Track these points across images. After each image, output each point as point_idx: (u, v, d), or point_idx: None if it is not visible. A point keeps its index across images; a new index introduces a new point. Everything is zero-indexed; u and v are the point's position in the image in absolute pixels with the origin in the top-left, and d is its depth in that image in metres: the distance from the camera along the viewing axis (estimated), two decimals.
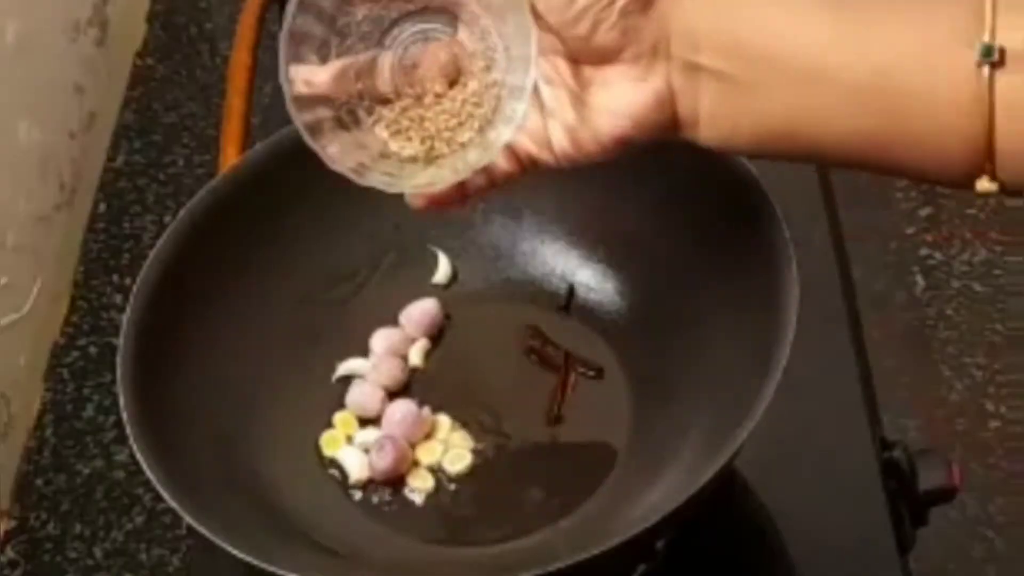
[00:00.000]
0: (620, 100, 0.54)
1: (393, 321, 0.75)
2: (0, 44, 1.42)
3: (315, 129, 0.55)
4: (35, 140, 1.49)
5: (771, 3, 0.52)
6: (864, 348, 0.79)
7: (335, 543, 0.64)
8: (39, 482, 1.36)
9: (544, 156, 0.57)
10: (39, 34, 1.52)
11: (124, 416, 0.62)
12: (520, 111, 0.54)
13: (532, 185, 0.75)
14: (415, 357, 0.74)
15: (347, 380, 0.73)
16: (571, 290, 0.75)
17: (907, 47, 0.48)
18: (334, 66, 0.56)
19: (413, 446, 0.70)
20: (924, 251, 1.51)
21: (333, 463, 0.70)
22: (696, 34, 0.52)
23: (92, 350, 1.51)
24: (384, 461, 0.68)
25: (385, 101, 0.57)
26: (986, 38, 0.46)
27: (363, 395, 0.72)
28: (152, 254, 0.69)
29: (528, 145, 0.56)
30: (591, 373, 0.71)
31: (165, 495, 0.59)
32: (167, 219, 1.60)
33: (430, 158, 0.56)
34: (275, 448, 0.68)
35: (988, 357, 1.43)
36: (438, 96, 0.56)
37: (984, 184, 0.48)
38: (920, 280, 1.49)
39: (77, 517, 1.31)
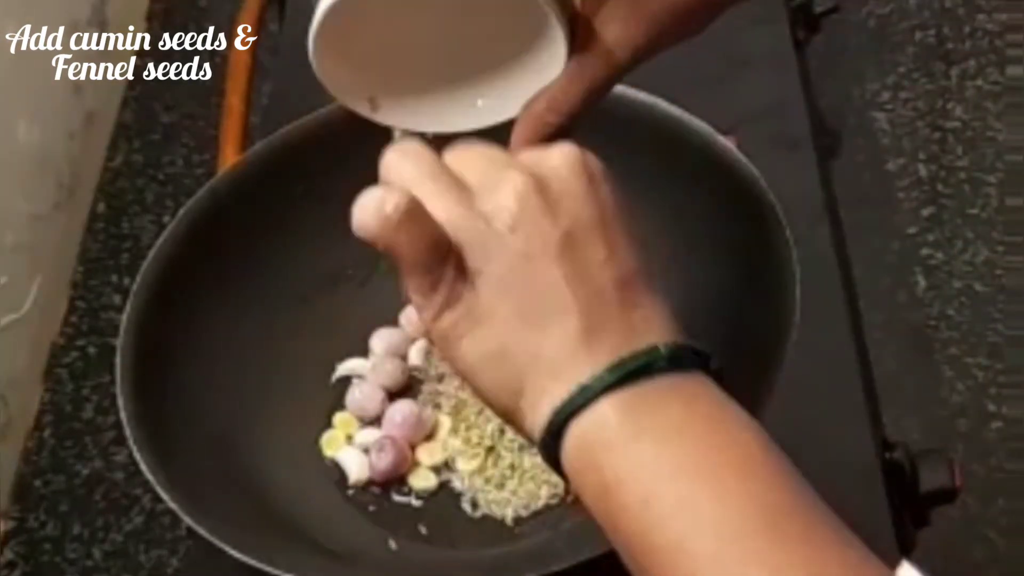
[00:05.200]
0: None
1: (393, 321, 0.74)
2: None
3: None
4: (34, 140, 1.49)
5: None
6: (865, 348, 0.79)
7: (335, 543, 0.64)
8: (38, 483, 1.35)
9: (608, 61, 0.51)
10: (39, 34, 1.52)
11: (123, 417, 0.61)
12: None
13: None
14: (415, 357, 0.73)
15: (347, 380, 0.73)
16: None
17: None
18: None
19: (413, 447, 0.69)
20: (926, 251, 1.51)
21: (333, 464, 0.70)
22: None
23: (91, 350, 1.50)
24: (384, 461, 0.68)
25: None
26: None
27: (363, 395, 0.71)
28: (151, 254, 0.69)
29: (585, 60, 0.51)
30: None
31: (164, 496, 0.58)
32: (166, 219, 1.59)
33: None
34: (275, 448, 0.68)
35: (990, 357, 1.42)
36: None
37: None
38: (922, 280, 1.49)
39: (76, 518, 1.31)
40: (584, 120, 0.54)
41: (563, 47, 0.52)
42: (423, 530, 0.67)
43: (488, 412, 0.70)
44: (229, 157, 0.83)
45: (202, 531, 0.57)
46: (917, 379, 1.42)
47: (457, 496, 0.68)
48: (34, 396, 1.45)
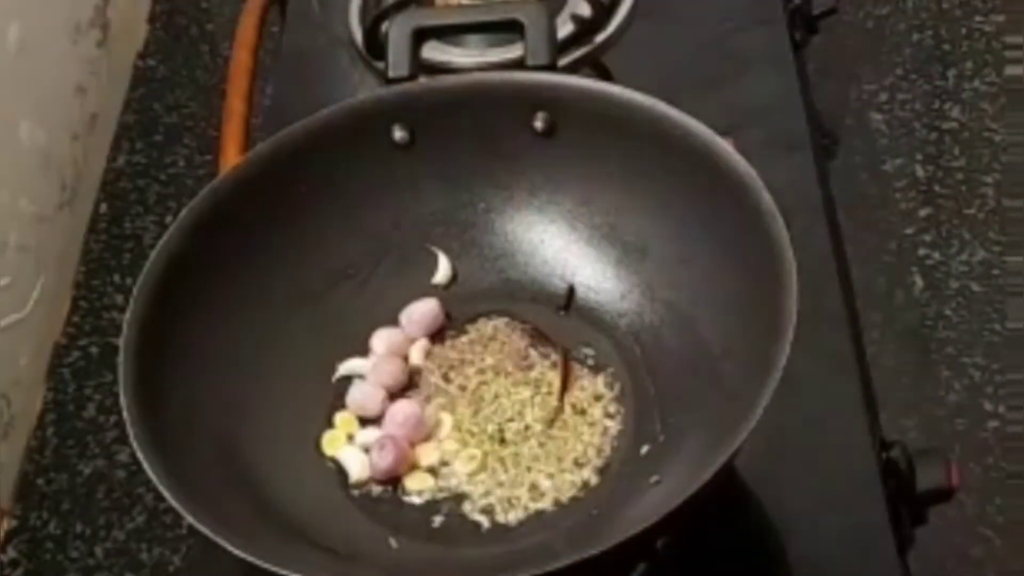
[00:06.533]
0: None
1: (393, 321, 0.75)
2: (2, 46, 1.43)
3: None
4: (37, 141, 1.50)
5: None
6: (863, 348, 0.79)
7: (336, 542, 0.64)
8: (40, 481, 1.36)
9: None
10: (41, 36, 1.53)
11: (125, 416, 0.62)
12: None
13: (531, 186, 0.76)
14: (415, 357, 0.74)
15: (348, 380, 0.73)
16: (571, 290, 0.75)
17: None
18: None
19: (413, 446, 0.70)
20: (923, 251, 1.52)
21: (333, 463, 0.70)
22: None
23: (93, 350, 1.51)
24: (385, 461, 0.68)
25: None
26: None
27: (363, 395, 0.72)
28: (153, 254, 0.69)
29: None
30: (590, 373, 0.71)
31: (166, 494, 0.59)
32: (168, 219, 1.60)
33: None
34: (276, 447, 0.68)
35: (987, 357, 1.43)
36: None
37: None
38: (919, 280, 1.49)
39: (78, 516, 1.31)
40: None
41: None
42: (423, 529, 0.67)
43: (488, 412, 0.71)
44: (231, 158, 0.83)
45: (204, 529, 0.58)
46: (914, 379, 1.42)
47: (457, 496, 0.68)
48: (37, 395, 1.45)
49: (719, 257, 0.68)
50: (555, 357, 0.72)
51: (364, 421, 0.71)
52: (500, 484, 0.68)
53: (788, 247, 0.63)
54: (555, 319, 0.74)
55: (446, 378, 0.73)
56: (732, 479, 0.69)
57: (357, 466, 0.69)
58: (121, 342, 0.65)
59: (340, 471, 0.69)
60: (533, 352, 0.73)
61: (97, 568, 1.21)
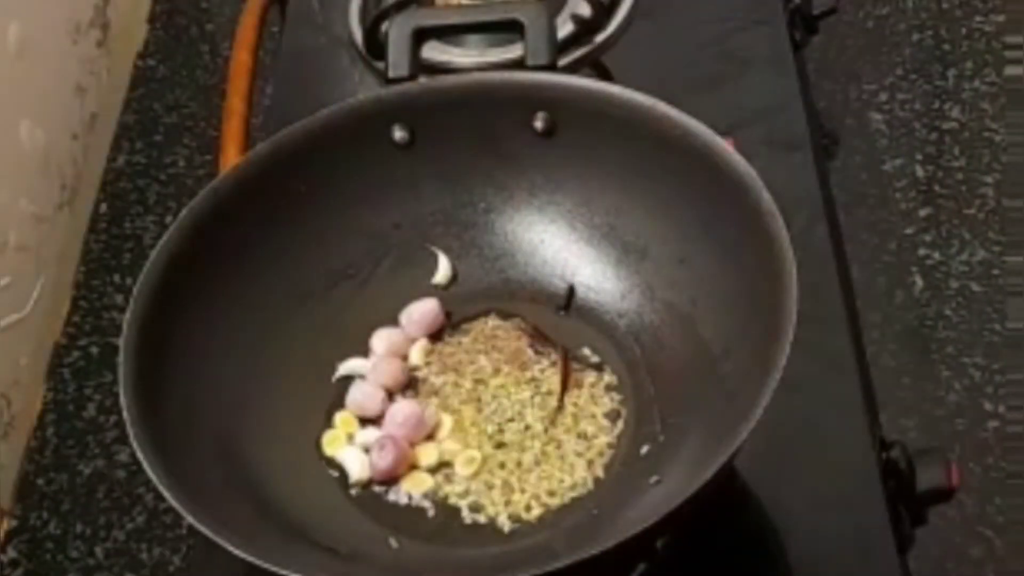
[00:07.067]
0: None
1: (393, 321, 0.75)
2: (2, 46, 1.43)
3: None
4: (37, 141, 1.50)
5: None
6: (863, 348, 0.79)
7: (336, 541, 0.64)
8: (40, 481, 1.36)
9: None
10: (41, 36, 1.53)
11: (125, 416, 0.62)
12: None
13: (531, 186, 0.76)
14: (415, 357, 0.74)
15: (348, 380, 0.73)
16: (571, 290, 0.75)
17: None
18: None
19: (413, 446, 0.70)
20: (923, 251, 1.52)
21: (333, 463, 0.70)
22: None
23: (93, 350, 1.51)
24: (385, 461, 0.68)
25: None
26: None
27: (363, 395, 0.72)
28: (153, 254, 0.69)
29: None
30: (590, 373, 0.71)
31: (166, 495, 0.59)
32: (168, 219, 1.60)
33: None
34: (277, 447, 0.69)
35: (987, 357, 1.43)
36: None
37: None
38: (919, 280, 1.49)
39: (78, 516, 1.31)
40: None
41: None
42: (423, 529, 0.67)
43: (488, 412, 0.71)
44: (230, 158, 0.83)
45: (204, 529, 0.58)
46: (914, 378, 1.42)
47: (457, 496, 0.68)
48: (37, 395, 1.46)
49: (719, 257, 0.68)
50: (555, 357, 0.72)
51: (364, 421, 0.71)
52: (500, 484, 0.68)
53: (788, 247, 0.63)
54: (555, 319, 0.74)
55: (446, 378, 0.73)
56: (732, 479, 0.69)
57: (357, 466, 0.69)
58: (121, 342, 0.65)
59: (340, 471, 0.70)
60: (533, 352, 0.73)
61: (97, 568, 1.22)
